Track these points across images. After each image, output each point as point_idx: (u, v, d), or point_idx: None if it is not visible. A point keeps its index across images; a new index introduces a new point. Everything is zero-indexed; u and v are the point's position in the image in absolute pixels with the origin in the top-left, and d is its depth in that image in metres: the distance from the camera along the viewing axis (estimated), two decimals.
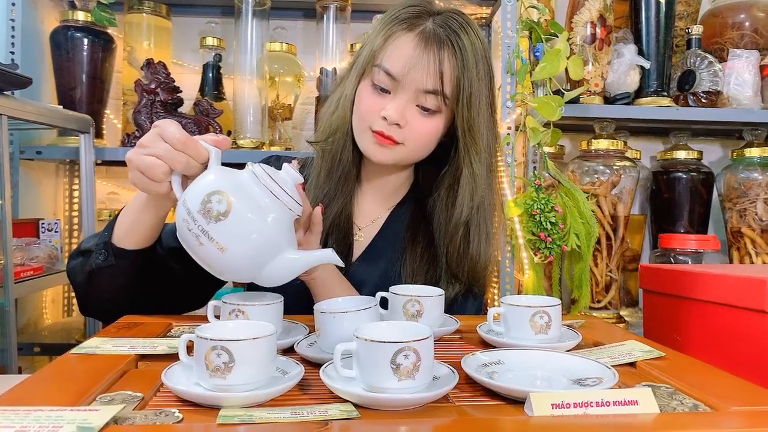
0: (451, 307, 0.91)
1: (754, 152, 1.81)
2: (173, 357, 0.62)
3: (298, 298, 0.88)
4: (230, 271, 0.67)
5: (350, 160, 0.94)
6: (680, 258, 1.77)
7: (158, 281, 0.87)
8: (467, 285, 0.94)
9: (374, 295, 0.76)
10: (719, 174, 1.89)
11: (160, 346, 0.67)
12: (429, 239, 0.96)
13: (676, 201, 1.91)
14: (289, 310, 0.76)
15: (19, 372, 1.56)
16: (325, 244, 0.92)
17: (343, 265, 0.72)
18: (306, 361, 0.65)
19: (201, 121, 1.66)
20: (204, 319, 0.79)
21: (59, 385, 0.55)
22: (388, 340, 0.51)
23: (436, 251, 0.95)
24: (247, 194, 0.65)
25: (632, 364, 0.66)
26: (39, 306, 1.83)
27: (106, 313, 0.84)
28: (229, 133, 1.76)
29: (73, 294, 1.93)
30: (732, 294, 0.79)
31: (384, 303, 0.78)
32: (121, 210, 0.83)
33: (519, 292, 1.71)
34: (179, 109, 1.70)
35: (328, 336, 0.65)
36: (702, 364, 0.66)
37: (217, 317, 0.74)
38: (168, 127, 0.70)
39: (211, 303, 0.74)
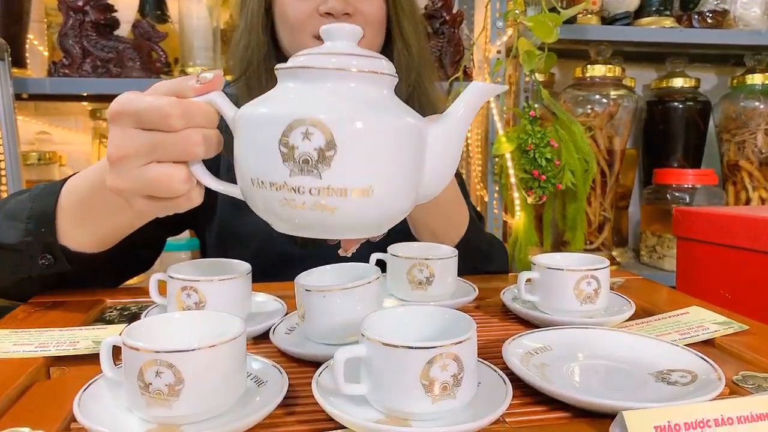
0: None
1: (756, 79, 1.67)
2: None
3: (263, 255, 0.71)
4: (394, 210, 0.41)
5: None
6: (677, 194, 1.65)
7: None
8: None
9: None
10: (717, 104, 1.75)
11: (82, 341, 0.48)
12: None
13: (671, 133, 1.78)
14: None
15: None
16: None
17: (504, 89, 0.50)
18: (286, 355, 0.48)
19: (142, 46, 1.41)
20: (146, 291, 0.60)
21: None
22: (415, 343, 0.34)
23: None
24: (324, 98, 0.39)
25: (709, 342, 0.52)
26: None
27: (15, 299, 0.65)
28: (176, 61, 1.52)
29: None
30: None
31: (380, 266, 0.61)
32: (61, 187, 0.58)
33: (506, 236, 1.57)
34: (115, 32, 1.44)
35: (316, 321, 0.48)
36: None
37: (165, 292, 0.56)
38: (140, 102, 0.42)
39: (155, 277, 0.55)
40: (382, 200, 0.39)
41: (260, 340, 0.52)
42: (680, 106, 1.75)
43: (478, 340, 0.44)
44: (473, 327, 0.37)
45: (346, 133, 0.37)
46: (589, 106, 1.64)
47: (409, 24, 0.78)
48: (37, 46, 1.61)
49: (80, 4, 1.36)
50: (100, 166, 0.55)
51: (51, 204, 0.58)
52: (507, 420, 0.38)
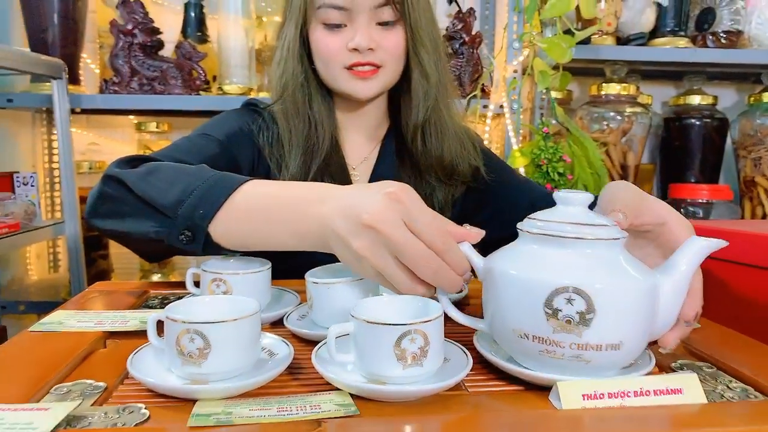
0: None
1: None
2: (147, 334, 0.55)
3: (288, 258, 0.80)
4: (636, 354, 0.48)
5: (322, 107, 0.88)
6: (690, 209, 1.69)
7: None
8: (448, 175, 0.92)
9: None
10: (734, 120, 1.79)
11: (131, 320, 0.59)
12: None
13: (688, 149, 1.82)
14: (279, 273, 0.68)
15: (2, 331, 1.50)
16: None
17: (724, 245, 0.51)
18: (297, 338, 0.58)
19: (183, 66, 1.54)
20: (185, 286, 0.71)
21: (10, 374, 0.47)
22: (391, 321, 0.43)
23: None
24: (579, 266, 0.46)
25: None
26: (22, 262, 1.76)
27: (117, 242, 0.71)
28: (214, 78, 1.64)
29: (59, 250, 1.86)
30: (762, 254, 0.72)
31: None
32: (240, 184, 0.59)
33: None
34: (159, 53, 1.58)
35: (321, 309, 0.57)
36: (741, 336, 0.59)
37: (198, 285, 0.66)
38: (408, 244, 0.49)
39: (191, 270, 0.66)
40: (628, 350, 0.46)
41: (277, 324, 0.62)
42: (697, 122, 1.79)
43: (461, 331, 0.53)
44: (440, 311, 0.46)
45: (604, 299, 0.44)
46: (604, 122, 1.70)
47: (428, 54, 0.86)
48: (90, 64, 1.76)
49: (129, 27, 1.50)
50: (301, 194, 0.57)
51: (225, 194, 0.59)
52: (468, 389, 0.47)
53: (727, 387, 0.47)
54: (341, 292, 0.56)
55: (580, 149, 1.53)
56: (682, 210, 1.69)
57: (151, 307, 0.68)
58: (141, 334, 0.56)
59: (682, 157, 1.83)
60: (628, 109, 1.68)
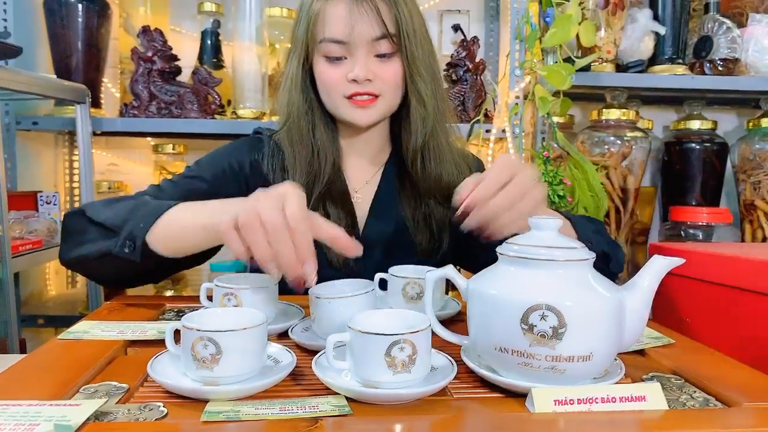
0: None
1: None
2: (164, 342, 0.60)
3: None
4: (606, 364, 0.53)
5: (324, 134, 0.94)
6: (691, 232, 1.73)
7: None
8: (446, 197, 0.96)
9: (391, 251, 0.75)
10: (734, 145, 1.83)
11: (150, 330, 0.64)
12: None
13: (689, 173, 1.86)
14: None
15: (23, 344, 1.56)
16: (327, 215, 0.90)
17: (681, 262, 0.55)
18: (301, 348, 0.63)
19: (200, 91, 1.62)
20: (198, 300, 0.76)
21: (43, 375, 0.53)
22: (382, 332, 0.48)
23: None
24: (550, 285, 0.51)
25: (640, 352, 0.63)
26: (42, 278, 1.83)
27: (86, 274, 0.84)
28: (228, 103, 1.72)
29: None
30: (745, 277, 0.76)
31: (383, 284, 0.75)
32: (170, 206, 0.73)
33: None
34: (177, 78, 1.66)
35: (323, 322, 0.62)
36: (714, 352, 0.63)
37: (211, 299, 0.72)
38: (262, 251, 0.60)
39: (204, 285, 0.71)
40: (599, 360, 0.50)
41: (283, 336, 0.67)
42: (697, 147, 1.83)
43: (451, 344, 0.58)
44: (427, 324, 0.51)
45: (574, 315, 0.48)
46: (605, 146, 1.75)
47: (425, 84, 0.91)
48: (110, 88, 1.84)
49: (149, 54, 1.58)
50: (215, 204, 0.70)
51: (162, 210, 0.73)
52: (453, 395, 0.52)
53: (690, 396, 0.52)
54: (341, 306, 0.61)
55: (580, 172, 1.58)
56: (682, 232, 1.72)
57: (167, 319, 0.73)
58: (158, 343, 0.61)
59: (683, 180, 1.87)
60: (628, 134, 1.72)
